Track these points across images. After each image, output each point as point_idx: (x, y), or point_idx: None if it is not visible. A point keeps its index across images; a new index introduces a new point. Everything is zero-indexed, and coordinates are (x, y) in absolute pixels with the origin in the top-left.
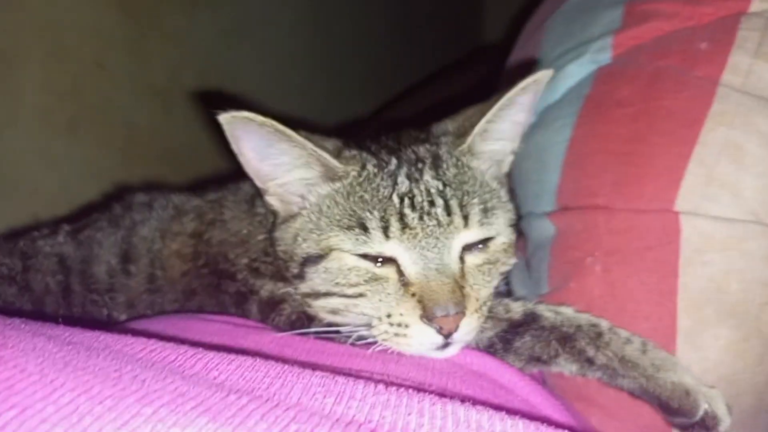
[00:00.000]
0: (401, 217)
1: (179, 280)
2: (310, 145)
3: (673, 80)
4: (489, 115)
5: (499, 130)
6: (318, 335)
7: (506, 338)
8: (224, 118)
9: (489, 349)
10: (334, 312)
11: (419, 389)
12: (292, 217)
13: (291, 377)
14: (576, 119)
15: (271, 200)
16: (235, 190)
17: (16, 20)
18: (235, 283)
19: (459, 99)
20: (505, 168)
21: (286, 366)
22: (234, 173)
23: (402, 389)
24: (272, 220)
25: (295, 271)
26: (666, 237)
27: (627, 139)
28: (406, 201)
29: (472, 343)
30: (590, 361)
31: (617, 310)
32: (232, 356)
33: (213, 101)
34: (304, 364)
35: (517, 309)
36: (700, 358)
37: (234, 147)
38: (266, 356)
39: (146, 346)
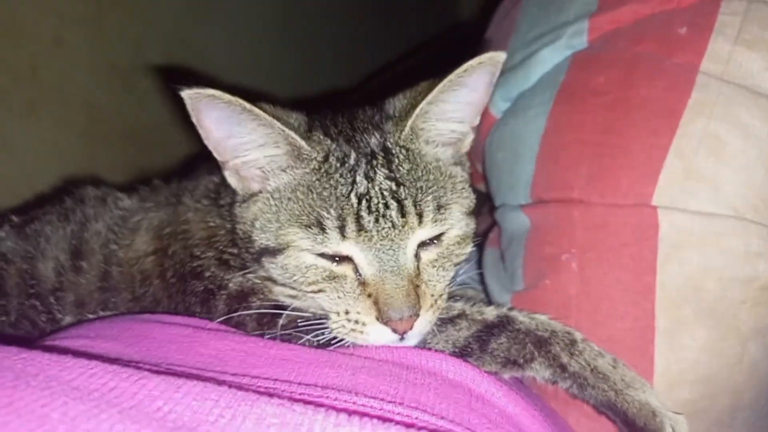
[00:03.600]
0: (357, 218)
1: (139, 288)
2: (278, 124)
3: (651, 68)
4: (429, 97)
5: (445, 111)
6: (281, 332)
7: (482, 338)
8: (188, 94)
9: (465, 349)
10: (293, 297)
11: (383, 418)
12: (252, 197)
13: (244, 407)
14: (550, 108)
15: (229, 176)
16: (193, 188)
17: None
18: (202, 282)
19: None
20: (465, 148)
21: (240, 393)
22: (199, 154)
23: (366, 420)
24: (230, 200)
25: (254, 254)
26: (643, 233)
27: (602, 129)
28: (363, 203)
29: (449, 346)
30: (563, 368)
31: (593, 309)
32: (180, 382)
33: (177, 78)
34: (266, 379)
35: (491, 312)
36: (678, 359)
37: (196, 123)
38: (225, 367)
39: (85, 370)
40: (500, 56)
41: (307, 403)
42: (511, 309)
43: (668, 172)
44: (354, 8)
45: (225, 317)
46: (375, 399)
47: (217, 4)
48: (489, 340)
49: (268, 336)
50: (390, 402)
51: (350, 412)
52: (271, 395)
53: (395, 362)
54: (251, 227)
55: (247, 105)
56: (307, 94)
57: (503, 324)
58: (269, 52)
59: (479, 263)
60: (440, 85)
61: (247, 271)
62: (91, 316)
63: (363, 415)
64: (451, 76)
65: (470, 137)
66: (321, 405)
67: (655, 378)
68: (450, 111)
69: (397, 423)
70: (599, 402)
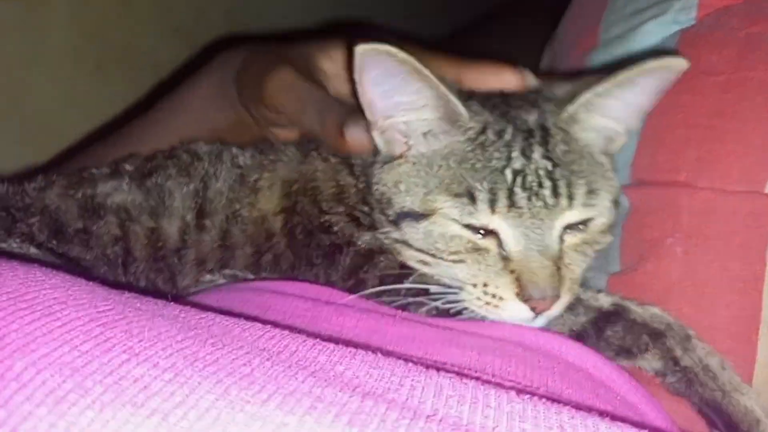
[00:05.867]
0: (510, 194)
1: (264, 244)
2: (442, 87)
3: None
4: (599, 89)
5: (609, 107)
6: (404, 297)
7: (598, 326)
8: (363, 49)
9: (581, 334)
10: (425, 263)
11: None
12: (395, 159)
13: (419, 378)
14: None
15: (376, 135)
16: (317, 145)
17: None
18: (329, 236)
19: None
20: (615, 149)
21: (410, 364)
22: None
23: (535, 398)
24: (371, 159)
25: (391, 217)
26: (754, 221)
27: (714, 112)
28: (519, 179)
29: (565, 329)
30: (675, 362)
31: (697, 296)
32: (353, 349)
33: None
34: (399, 356)
35: (605, 299)
36: None
37: (357, 77)
38: (356, 344)
39: (264, 332)
40: (683, 64)
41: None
42: (622, 297)
43: None
44: None
45: (349, 272)
46: (511, 381)
47: None
48: (605, 328)
49: (387, 300)
50: (526, 386)
51: (518, 390)
52: (437, 369)
53: (516, 342)
54: (394, 189)
55: (418, 65)
56: None
57: (618, 312)
58: (329, 12)
59: None
60: (614, 80)
61: (379, 231)
62: (208, 276)
63: (530, 393)
64: (629, 73)
65: (623, 139)
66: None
67: (756, 368)
68: (614, 108)
69: (540, 394)
70: (704, 401)
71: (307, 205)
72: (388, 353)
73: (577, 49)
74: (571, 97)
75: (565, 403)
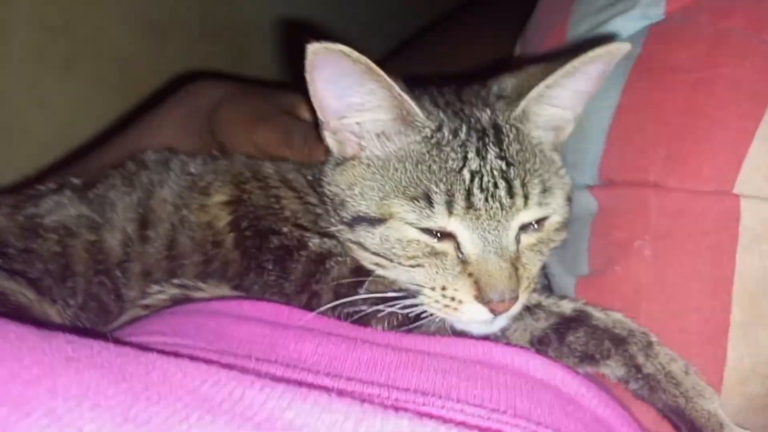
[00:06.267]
0: (468, 195)
1: (211, 249)
2: (396, 88)
3: (738, 45)
4: (548, 80)
5: (559, 97)
6: (360, 307)
7: (560, 331)
8: (314, 48)
9: (543, 340)
10: (379, 266)
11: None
12: (349, 161)
13: (375, 421)
14: (624, 82)
15: (328, 136)
16: None
17: None
18: (279, 236)
19: None
20: (564, 136)
21: (365, 405)
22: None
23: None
24: (323, 159)
25: (345, 219)
26: (723, 222)
27: (683, 110)
28: (476, 180)
29: (526, 335)
30: (638, 368)
31: (666, 299)
32: (305, 391)
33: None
34: (361, 383)
35: (567, 305)
36: (752, 352)
37: (308, 76)
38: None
39: (209, 377)
40: (627, 47)
41: (424, 415)
42: (585, 303)
43: (753, 159)
44: None
45: (301, 284)
46: (476, 407)
47: None
48: (566, 333)
49: (344, 312)
50: (493, 410)
51: (470, 426)
52: (396, 408)
53: (480, 361)
54: (348, 192)
55: (373, 65)
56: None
57: (580, 318)
58: (307, 5)
59: None
60: (561, 71)
61: (331, 229)
62: (155, 287)
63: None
64: (575, 63)
65: (571, 126)
66: (433, 416)
67: (726, 371)
68: (564, 97)
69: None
70: (668, 407)
71: (257, 199)
72: (348, 380)
73: (546, 44)
74: (520, 92)
75: (535, 422)
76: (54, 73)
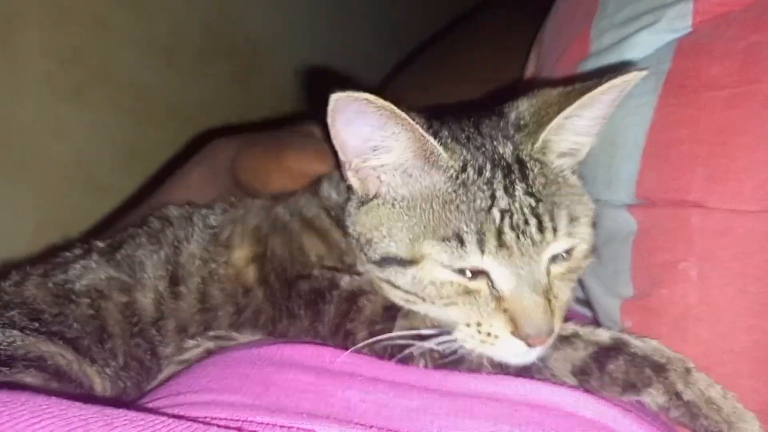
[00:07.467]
0: (499, 234)
1: (242, 299)
2: (420, 130)
3: None
4: (567, 111)
5: (578, 126)
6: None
7: (599, 360)
8: (338, 97)
9: (584, 370)
10: (412, 303)
11: None
12: (373, 200)
13: None
14: (656, 99)
15: (351, 176)
16: (286, 197)
17: None
18: (308, 280)
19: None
20: (581, 156)
21: None
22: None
23: None
24: (341, 197)
25: (373, 259)
26: None
27: (721, 127)
28: (506, 219)
29: (567, 365)
30: (678, 396)
31: (714, 321)
32: None
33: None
34: None
35: (604, 334)
36: None
37: (330, 122)
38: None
39: None
40: (643, 74)
41: None
42: (621, 331)
43: None
44: None
45: (336, 325)
46: None
47: None
48: (606, 362)
49: (380, 348)
50: None
51: None
52: None
53: (529, 404)
54: (375, 232)
55: (397, 110)
56: (352, 69)
57: (618, 346)
58: (313, 27)
59: None
60: (579, 101)
61: (359, 267)
62: (190, 341)
63: None
64: (593, 93)
65: (588, 147)
66: None
67: None
68: (582, 126)
69: None
70: None
71: (279, 249)
72: None
73: (567, 57)
74: (538, 122)
75: None
76: (67, 100)
